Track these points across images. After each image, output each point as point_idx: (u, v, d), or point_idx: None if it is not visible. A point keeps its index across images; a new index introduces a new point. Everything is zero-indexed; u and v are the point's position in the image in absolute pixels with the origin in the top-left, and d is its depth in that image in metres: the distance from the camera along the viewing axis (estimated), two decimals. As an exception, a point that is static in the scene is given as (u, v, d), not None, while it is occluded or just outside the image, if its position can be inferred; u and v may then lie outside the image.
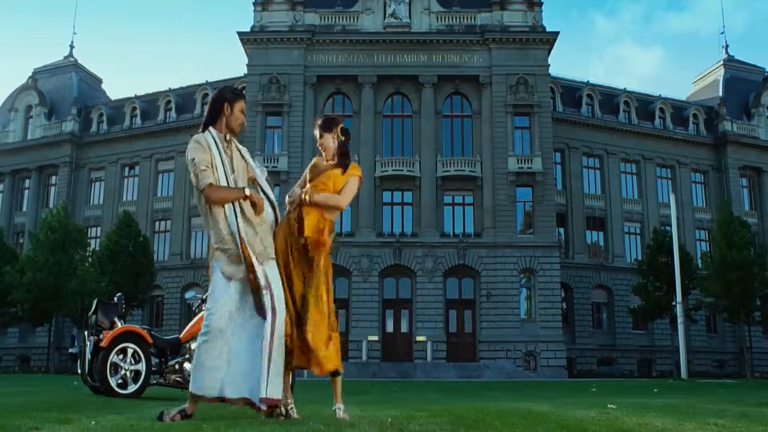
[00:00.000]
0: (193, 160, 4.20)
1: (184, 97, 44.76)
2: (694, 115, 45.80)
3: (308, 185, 4.56)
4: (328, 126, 4.72)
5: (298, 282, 4.42)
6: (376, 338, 34.45)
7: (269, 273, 4.27)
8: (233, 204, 4.21)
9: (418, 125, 37.59)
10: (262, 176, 4.49)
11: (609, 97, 44.43)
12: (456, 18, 38.48)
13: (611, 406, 6.07)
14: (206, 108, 4.54)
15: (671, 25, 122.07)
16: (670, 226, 32.06)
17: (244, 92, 4.62)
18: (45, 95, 47.16)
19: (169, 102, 44.88)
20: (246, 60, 38.64)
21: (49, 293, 33.57)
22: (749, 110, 46.64)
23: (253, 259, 4.18)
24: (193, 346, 7.86)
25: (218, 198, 4.18)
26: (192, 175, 4.23)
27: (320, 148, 4.69)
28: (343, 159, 4.66)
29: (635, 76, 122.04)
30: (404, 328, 35.56)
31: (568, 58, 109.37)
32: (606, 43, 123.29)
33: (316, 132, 4.70)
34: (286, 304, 4.33)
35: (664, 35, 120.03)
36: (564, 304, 38.39)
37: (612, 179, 42.40)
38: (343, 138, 4.70)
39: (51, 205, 42.35)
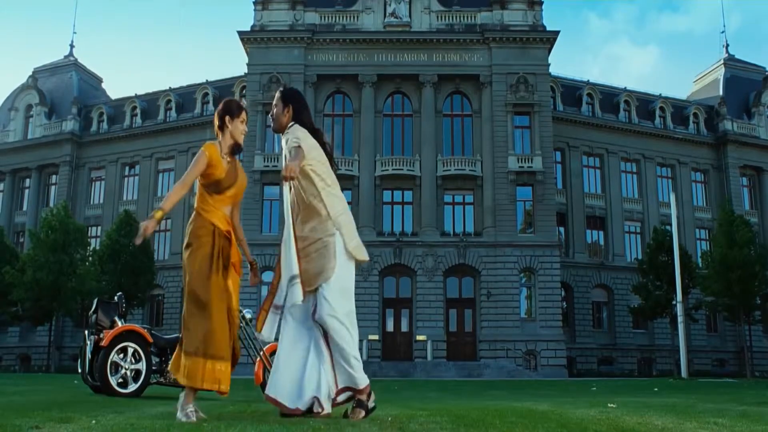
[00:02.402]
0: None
1: (184, 97, 44.76)
2: (695, 115, 45.80)
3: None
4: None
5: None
6: (376, 337, 34.47)
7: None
8: None
9: (419, 124, 37.59)
10: None
11: (609, 97, 44.43)
12: (456, 17, 38.48)
13: (611, 405, 6.07)
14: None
15: (665, 25, 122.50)
16: (671, 225, 32.03)
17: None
18: (45, 94, 47.16)
19: (169, 101, 44.88)
20: (246, 59, 38.64)
21: (49, 292, 33.60)
22: (750, 109, 46.64)
23: None
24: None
25: None
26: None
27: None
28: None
29: (631, 75, 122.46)
30: (404, 328, 35.58)
31: (563, 57, 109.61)
32: (601, 42, 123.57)
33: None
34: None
35: (658, 35, 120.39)
36: (564, 304, 38.42)
37: (612, 178, 42.40)
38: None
39: (51, 204, 42.37)
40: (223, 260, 4.29)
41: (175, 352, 4.24)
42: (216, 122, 4.50)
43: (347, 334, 4.19)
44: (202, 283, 4.19)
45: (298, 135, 4.31)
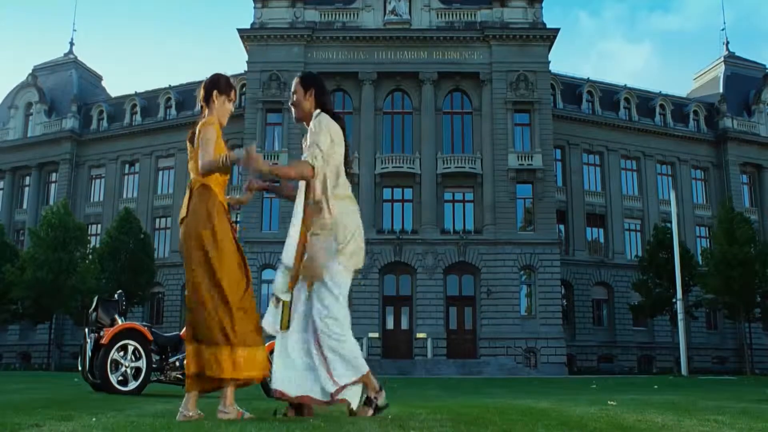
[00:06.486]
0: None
1: (184, 95, 44.70)
2: (695, 112, 45.78)
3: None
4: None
5: None
6: (376, 335, 34.46)
7: None
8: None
9: (419, 122, 37.57)
10: None
11: (609, 94, 44.38)
12: (456, 15, 38.46)
13: (611, 402, 6.07)
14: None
15: (656, 24, 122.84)
16: (671, 222, 32.05)
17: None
18: (45, 92, 47.14)
19: (169, 99, 44.87)
20: (246, 57, 38.60)
21: (49, 291, 33.58)
22: (750, 107, 46.62)
23: None
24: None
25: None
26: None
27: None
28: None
29: (625, 72, 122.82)
30: (404, 325, 35.59)
31: (556, 54, 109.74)
32: (592, 40, 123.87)
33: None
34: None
35: (650, 33, 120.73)
36: (564, 301, 38.40)
37: (612, 176, 42.39)
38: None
39: (51, 202, 42.35)
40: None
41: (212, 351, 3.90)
42: (202, 94, 4.18)
43: (339, 334, 4.03)
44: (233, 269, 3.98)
45: (322, 126, 4.10)
